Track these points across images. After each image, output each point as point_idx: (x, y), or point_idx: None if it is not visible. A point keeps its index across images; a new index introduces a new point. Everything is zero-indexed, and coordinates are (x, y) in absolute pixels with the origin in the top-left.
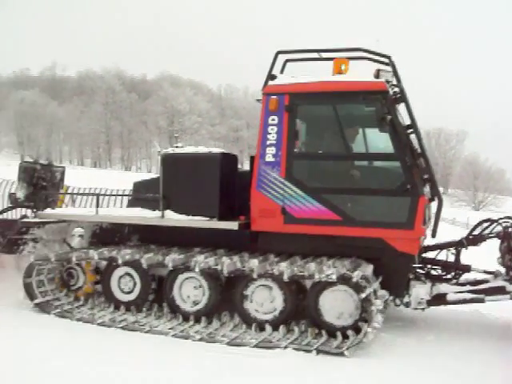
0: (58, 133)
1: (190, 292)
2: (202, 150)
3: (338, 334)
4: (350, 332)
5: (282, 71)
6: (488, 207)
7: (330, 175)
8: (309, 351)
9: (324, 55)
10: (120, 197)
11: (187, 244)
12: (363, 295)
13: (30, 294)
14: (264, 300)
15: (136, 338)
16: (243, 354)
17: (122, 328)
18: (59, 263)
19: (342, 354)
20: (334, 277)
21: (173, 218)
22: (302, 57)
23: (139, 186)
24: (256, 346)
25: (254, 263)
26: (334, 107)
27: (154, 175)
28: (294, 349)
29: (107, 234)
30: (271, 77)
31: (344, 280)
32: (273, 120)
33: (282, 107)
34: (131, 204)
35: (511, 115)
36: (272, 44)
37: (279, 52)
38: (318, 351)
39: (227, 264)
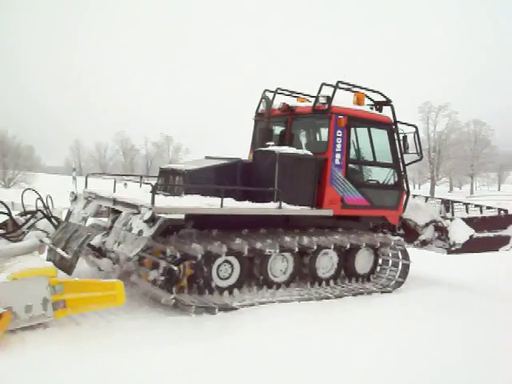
0: None
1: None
2: (294, 150)
3: None
4: None
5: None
6: (19, 184)
7: (364, 175)
8: None
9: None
10: None
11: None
12: None
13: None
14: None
15: None
16: None
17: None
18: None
19: None
20: None
21: (290, 208)
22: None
23: (196, 175)
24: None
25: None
26: (369, 129)
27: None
28: None
29: None
30: (329, 99)
31: None
32: (339, 133)
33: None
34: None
35: None
36: None
37: (324, 84)
38: None
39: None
